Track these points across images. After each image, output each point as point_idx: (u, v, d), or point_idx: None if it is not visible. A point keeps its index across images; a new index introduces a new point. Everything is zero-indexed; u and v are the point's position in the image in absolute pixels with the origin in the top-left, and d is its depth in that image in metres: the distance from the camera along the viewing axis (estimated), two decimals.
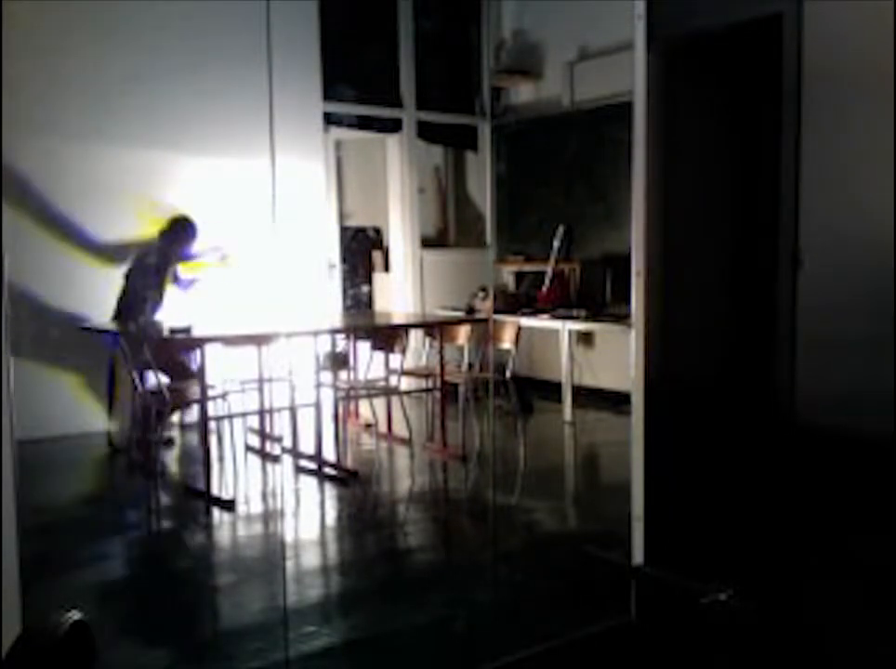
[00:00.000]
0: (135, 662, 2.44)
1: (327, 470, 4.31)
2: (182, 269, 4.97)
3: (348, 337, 5.03)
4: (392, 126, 6.39)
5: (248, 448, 4.78)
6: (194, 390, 4.11)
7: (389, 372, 4.84)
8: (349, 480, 4.22)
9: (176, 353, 4.50)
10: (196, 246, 4.97)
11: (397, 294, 6.53)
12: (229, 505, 3.83)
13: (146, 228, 5.00)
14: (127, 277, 4.80)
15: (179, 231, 4.90)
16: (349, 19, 6.06)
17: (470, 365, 4.86)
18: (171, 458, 4.75)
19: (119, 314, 4.74)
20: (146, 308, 4.76)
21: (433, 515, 3.90)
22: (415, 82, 6.39)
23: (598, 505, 3.95)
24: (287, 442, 4.55)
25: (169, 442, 4.82)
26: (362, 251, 6.96)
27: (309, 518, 3.84)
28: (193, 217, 4.94)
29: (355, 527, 3.75)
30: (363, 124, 6.30)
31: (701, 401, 5.83)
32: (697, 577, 2.48)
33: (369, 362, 4.90)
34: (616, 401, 5.15)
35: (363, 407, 5.08)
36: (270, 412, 4.74)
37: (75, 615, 1.54)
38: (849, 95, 4.72)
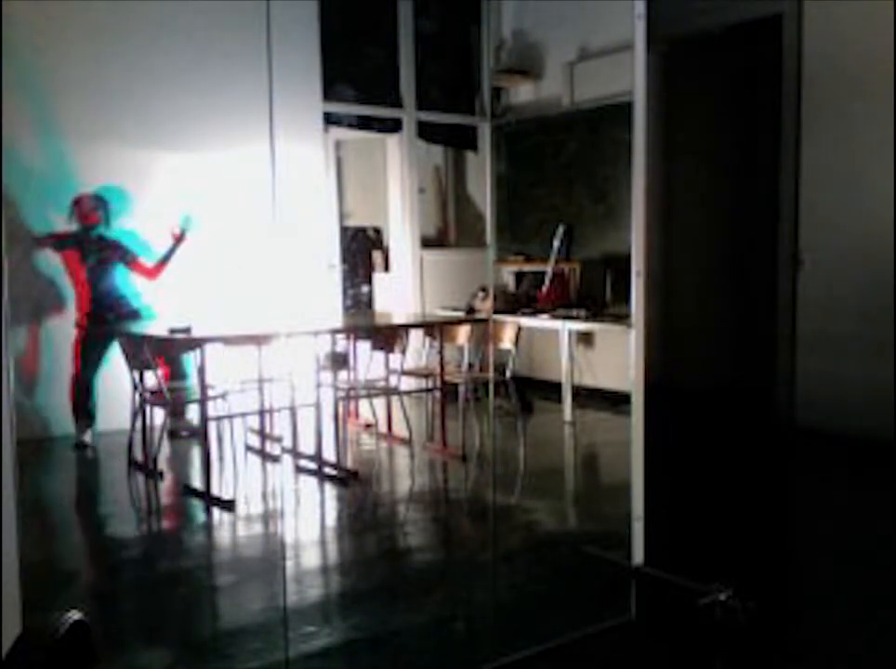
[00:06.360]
0: (134, 662, 2.44)
1: (327, 470, 4.31)
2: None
3: (348, 337, 5.03)
4: (392, 126, 6.39)
5: (248, 448, 4.78)
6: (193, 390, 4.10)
7: (389, 372, 4.84)
8: (349, 480, 4.22)
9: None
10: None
11: (397, 294, 6.53)
12: (229, 505, 3.84)
13: None
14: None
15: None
16: (349, 19, 6.06)
17: (470, 365, 4.85)
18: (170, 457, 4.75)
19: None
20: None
21: (433, 515, 3.90)
22: (415, 82, 6.38)
23: (598, 505, 3.94)
24: (287, 442, 4.55)
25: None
26: (361, 251, 6.95)
27: (308, 518, 3.84)
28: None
29: (355, 527, 3.75)
30: (363, 124, 6.29)
31: (700, 401, 5.84)
32: (697, 577, 2.48)
33: (369, 362, 4.90)
34: (616, 401, 5.15)
35: (363, 407, 5.08)
36: (270, 412, 4.74)
37: (75, 615, 1.54)
38: (849, 95, 4.72)
